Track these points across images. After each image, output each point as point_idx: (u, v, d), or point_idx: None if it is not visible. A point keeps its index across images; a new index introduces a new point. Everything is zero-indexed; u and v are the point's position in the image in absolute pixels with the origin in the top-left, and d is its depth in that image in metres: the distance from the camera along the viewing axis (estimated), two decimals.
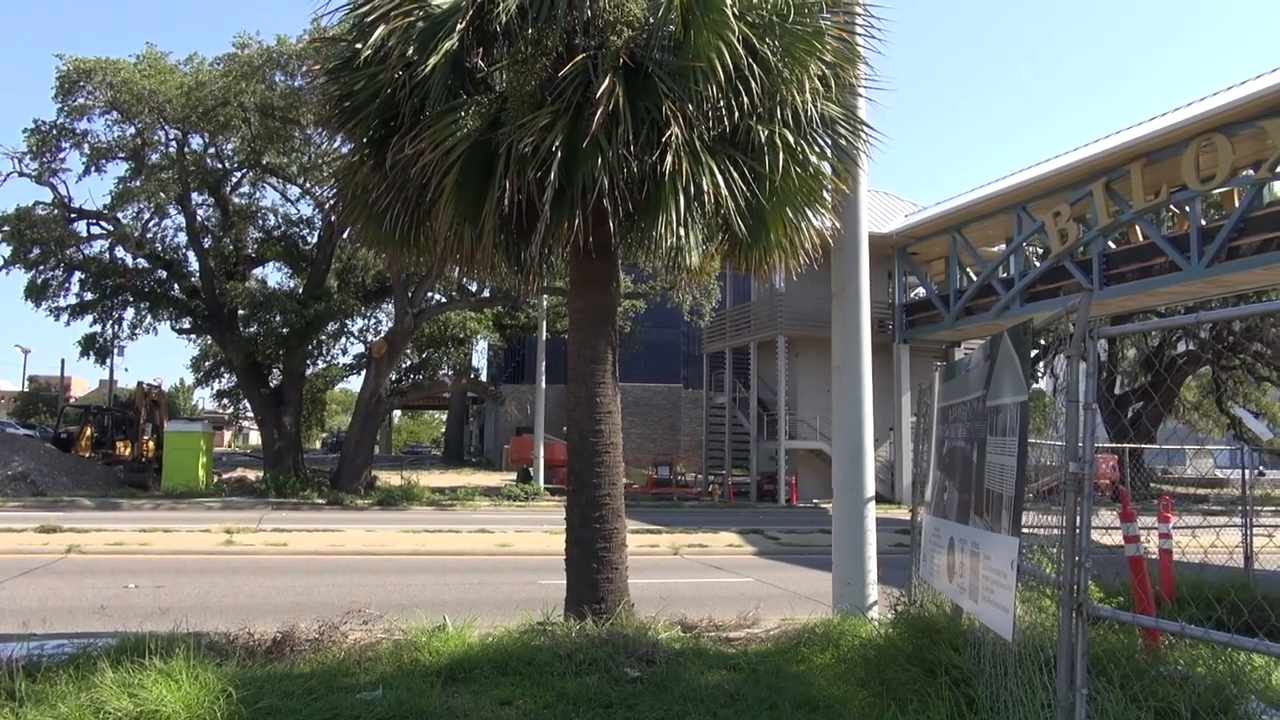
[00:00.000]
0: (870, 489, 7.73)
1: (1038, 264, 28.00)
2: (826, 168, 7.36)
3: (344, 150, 8.06)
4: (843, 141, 7.43)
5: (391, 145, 6.67)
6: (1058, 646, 3.24)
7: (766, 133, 6.73)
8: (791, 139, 6.77)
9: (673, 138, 6.21)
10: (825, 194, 7.40)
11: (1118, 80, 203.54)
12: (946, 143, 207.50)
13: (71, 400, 58.47)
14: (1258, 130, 19.67)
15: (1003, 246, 30.51)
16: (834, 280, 8.10)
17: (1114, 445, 26.76)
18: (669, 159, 6.19)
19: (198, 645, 5.85)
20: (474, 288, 32.03)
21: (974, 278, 30.45)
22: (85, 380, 73.82)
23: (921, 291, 33.52)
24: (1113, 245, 26.05)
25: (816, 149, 7.14)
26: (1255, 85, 20.09)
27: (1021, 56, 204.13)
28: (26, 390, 63.77)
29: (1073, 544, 3.24)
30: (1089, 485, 3.31)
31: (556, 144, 6.15)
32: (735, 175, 6.55)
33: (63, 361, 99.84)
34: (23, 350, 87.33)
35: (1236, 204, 21.75)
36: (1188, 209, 23.07)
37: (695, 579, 13.36)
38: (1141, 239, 25.35)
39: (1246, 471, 12.15)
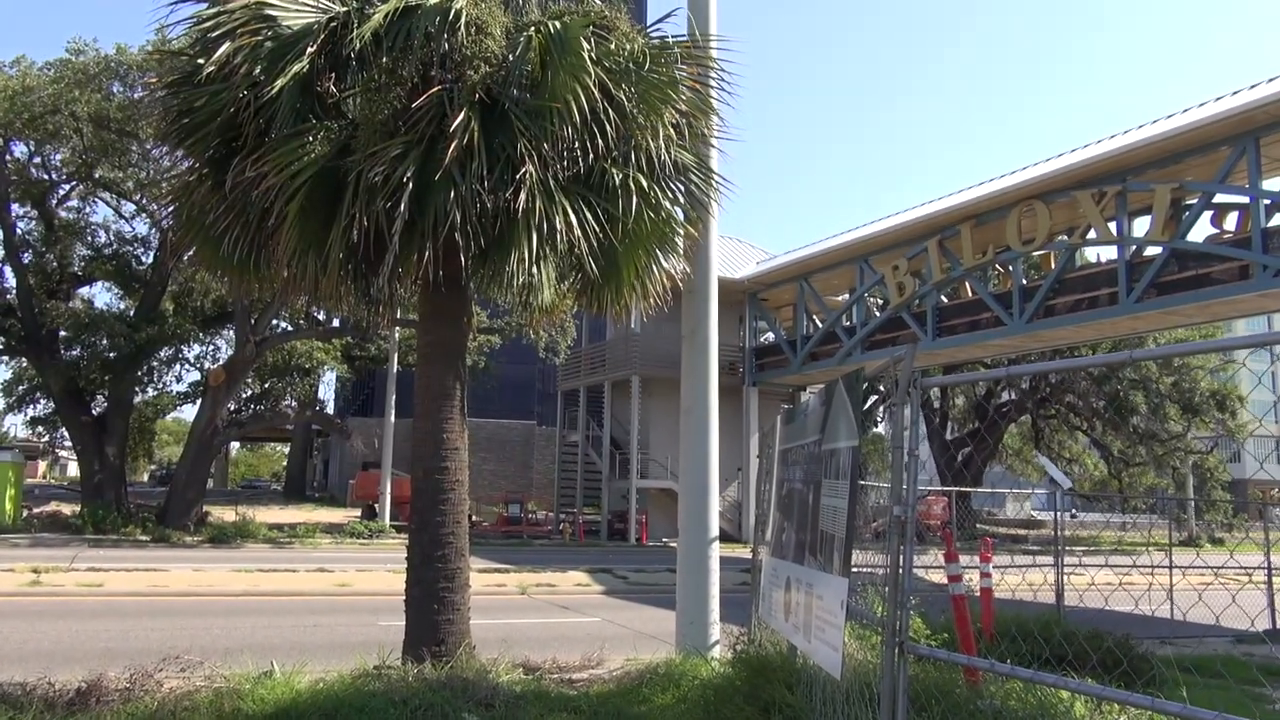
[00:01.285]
0: (714, 529, 7.86)
1: (878, 314, 29.46)
2: (679, 213, 7.53)
3: (184, 167, 7.68)
4: (695, 189, 7.62)
5: (233, 166, 6.39)
6: (881, 684, 3.37)
7: (621, 176, 6.83)
8: (645, 183, 6.89)
9: (527, 175, 6.22)
10: (677, 239, 7.56)
11: (953, 144, 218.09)
12: (798, 195, 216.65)
13: None
14: (1071, 199, 21.45)
15: (846, 296, 31.95)
16: (684, 324, 8.26)
17: (944, 488, 28.26)
18: (523, 196, 6.19)
19: None
20: (322, 317, 30.98)
21: (820, 325, 31.74)
22: None
23: (771, 336, 34.64)
24: (945, 300, 27.71)
25: (670, 194, 7.30)
26: (1069, 159, 21.94)
27: (867, 117, 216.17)
28: None
29: (895, 584, 3.38)
30: (911, 528, 3.47)
31: (408, 175, 6.05)
32: (589, 216, 6.61)
33: None
34: None
35: (1053, 266, 23.58)
36: (1011, 269, 24.86)
37: (542, 619, 13.19)
38: (971, 295, 27.10)
39: (1059, 514, 13.06)
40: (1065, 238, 22.71)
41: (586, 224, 6.55)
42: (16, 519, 25.07)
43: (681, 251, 7.66)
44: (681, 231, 7.60)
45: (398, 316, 28.38)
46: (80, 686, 5.95)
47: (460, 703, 5.81)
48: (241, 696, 5.81)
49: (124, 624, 11.40)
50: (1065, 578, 11.61)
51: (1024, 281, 24.37)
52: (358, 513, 33.85)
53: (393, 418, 31.54)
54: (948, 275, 25.74)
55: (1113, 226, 20.83)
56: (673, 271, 7.67)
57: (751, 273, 33.07)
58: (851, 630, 4.69)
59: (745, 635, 6.94)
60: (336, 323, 30.05)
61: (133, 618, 12.00)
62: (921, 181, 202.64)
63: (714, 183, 7.67)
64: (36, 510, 28.78)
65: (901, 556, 3.37)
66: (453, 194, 6.08)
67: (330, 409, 52.14)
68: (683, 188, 7.57)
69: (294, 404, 35.01)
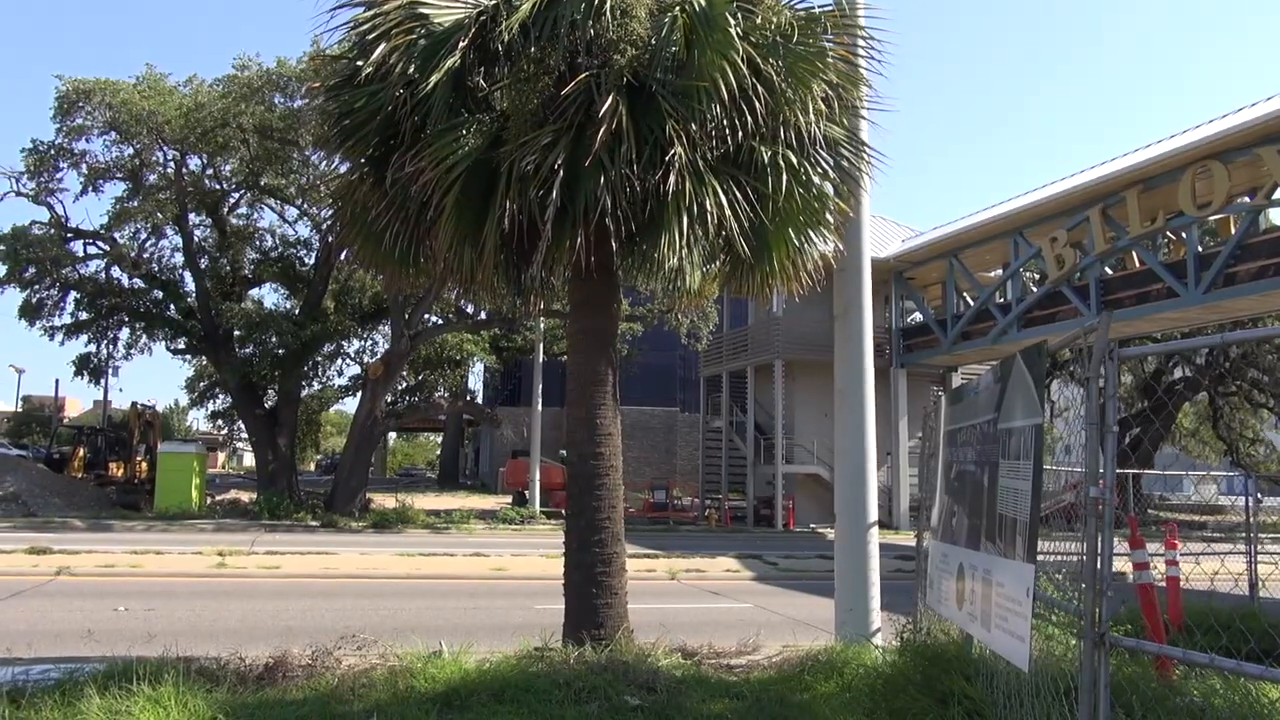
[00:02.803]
0: (873, 514, 7.62)
1: (1035, 289, 28.04)
2: (829, 189, 7.29)
3: (342, 170, 8.01)
4: (845, 163, 7.37)
5: (392, 163, 6.61)
6: (1079, 678, 3.13)
7: (770, 153, 6.68)
8: (795, 160, 6.72)
9: (676, 157, 6.16)
10: (828, 215, 7.34)
11: (1115, 109, 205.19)
12: (944, 171, 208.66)
13: (66, 420, 58.14)
14: (1254, 158, 19.74)
15: (999, 272, 30.54)
16: (836, 303, 8.03)
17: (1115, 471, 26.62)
18: (672, 178, 6.13)
19: (187, 671, 5.71)
20: (471, 310, 32.01)
21: (971, 303, 30.47)
22: (79, 400, 73.34)
23: (918, 316, 33.51)
24: (1110, 271, 26.09)
25: (820, 170, 7.09)
26: (1251, 113, 20.19)
27: (1020, 87, 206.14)
28: (20, 410, 63.25)
29: (1094, 573, 3.14)
30: (1110, 512, 3.21)
31: (559, 162, 6.10)
32: (738, 195, 6.49)
33: (56, 381, 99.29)
34: (16, 370, 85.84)
35: (1233, 231, 21.80)
36: (1184, 235, 23.14)
37: (693, 604, 13.20)
38: (1138, 265, 25.40)
39: (1250, 498, 12.04)
40: (1247, 199, 20.94)
41: (736, 204, 6.44)
42: (202, 505, 27.07)
43: (833, 228, 7.42)
44: (832, 208, 7.37)
45: (544, 307, 29.07)
46: (268, 662, 6.32)
47: (621, 686, 5.84)
48: (414, 675, 6.03)
49: (301, 604, 12.08)
50: (1258, 566, 10.71)
51: (1199, 249, 22.64)
52: (508, 499, 34.87)
53: (540, 406, 32.29)
54: (1112, 246, 24.15)
55: None
56: (824, 250, 7.46)
57: (897, 250, 32.07)
58: (1033, 621, 4.42)
59: (910, 624, 6.69)
60: (484, 315, 31.04)
61: (308, 598, 12.71)
62: (1079, 149, 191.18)
63: (865, 156, 7.40)
64: (218, 497, 31.00)
65: (1100, 542, 3.12)
66: (603, 179, 6.10)
67: (480, 399, 53.87)
68: (832, 162, 7.33)
69: (446, 394, 36.34)
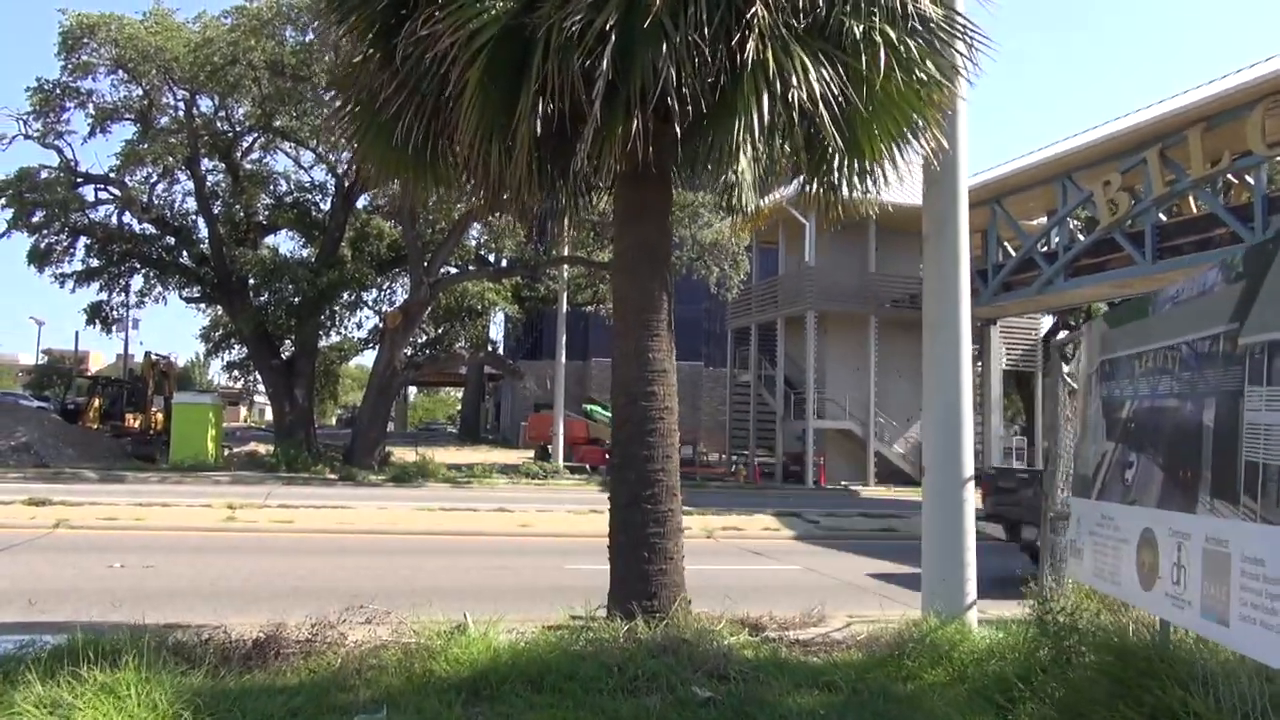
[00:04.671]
0: (969, 467, 6.50)
1: (1082, 237, 26.59)
2: (932, 71, 5.95)
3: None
4: (938, 44, 6.07)
5: (403, 32, 5.40)
6: None
7: (863, 27, 5.43)
8: (894, 35, 5.46)
9: (757, 19, 4.93)
10: (926, 110, 6.06)
11: (1172, 48, 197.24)
12: (991, 110, 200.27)
13: (87, 372, 57.64)
14: None
15: (1044, 219, 29.05)
16: (926, 221, 6.86)
17: None
18: (751, 45, 4.90)
19: (160, 647, 4.70)
20: (492, 259, 30.95)
21: (1013, 252, 29.04)
22: (102, 354, 72.91)
23: None
24: (1164, 218, 24.62)
25: (923, 49, 5.79)
26: None
27: (1074, 24, 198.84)
28: (42, 363, 62.91)
29: None
30: None
31: (610, 23, 4.85)
32: (828, 74, 5.25)
33: (76, 334, 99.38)
34: (36, 322, 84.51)
35: None
36: (1249, 178, 21.63)
37: (736, 565, 12.19)
38: (1196, 210, 23.92)
39: None
40: None
41: (827, 84, 5.20)
42: (218, 457, 26.31)
43: (936, 121, 6.12)
44: (926, 100, 6.06)
45: (565, 254, 27.92)
46: (258, 637, 5.28)
47: (686, 671, 4.78)
48: (433, 655, 4.99)
49: (312, 562, 11.18)
50: None
51: (1266, 192, 21.14)
52: (530, 454, 33.99)
53: (563, 358, 31.26)
54: (1171, 189, 22.65)
55: None
56: (925, 146, 6.16)
57: None
58: None
59: (1038, 602, 5.51)
60: (506, 264, 30.00)
61: (320, 555, 11.82)
62: (1129, 92, 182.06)
63: (968, 38, 6.09)
64: (236, 450, 30.27)
65: None
66: (665, 47, 4.87)
67: (501, 351, 53.00)
68: (925, 44, 6.02)
69: (467, 346, 35.38)
